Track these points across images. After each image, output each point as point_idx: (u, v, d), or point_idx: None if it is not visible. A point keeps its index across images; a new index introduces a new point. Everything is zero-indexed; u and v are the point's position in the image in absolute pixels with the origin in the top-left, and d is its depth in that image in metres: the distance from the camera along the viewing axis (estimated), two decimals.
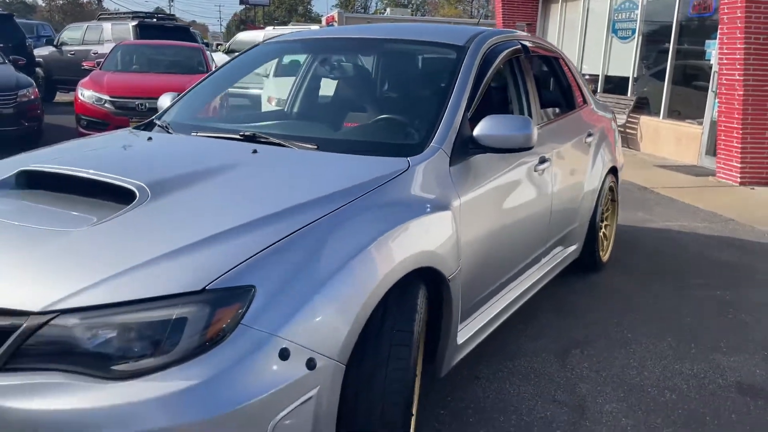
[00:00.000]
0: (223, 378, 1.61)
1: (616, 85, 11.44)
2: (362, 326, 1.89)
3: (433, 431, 2.55)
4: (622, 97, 10.91)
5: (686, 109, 9.75)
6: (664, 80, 10.04)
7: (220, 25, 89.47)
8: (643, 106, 10.68)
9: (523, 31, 7.34)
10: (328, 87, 3.39)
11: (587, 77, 10.74)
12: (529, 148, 2.68)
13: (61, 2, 64.40)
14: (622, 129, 10.02)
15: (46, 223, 1.94)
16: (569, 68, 4.31)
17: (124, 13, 15.83)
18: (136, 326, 1.62)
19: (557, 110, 3.92)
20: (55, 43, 15.49)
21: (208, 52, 11.57)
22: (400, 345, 2.00)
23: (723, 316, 3.81)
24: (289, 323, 1.71)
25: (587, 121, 4.27)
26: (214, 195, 2.12)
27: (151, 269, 1.70)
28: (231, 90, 3.62)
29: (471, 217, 2.58)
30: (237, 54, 3.68)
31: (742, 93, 7.57)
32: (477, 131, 2.64)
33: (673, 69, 9.92)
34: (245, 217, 1.92)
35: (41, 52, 15.25)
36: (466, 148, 2.65)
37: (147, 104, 8.96)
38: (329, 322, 1.80)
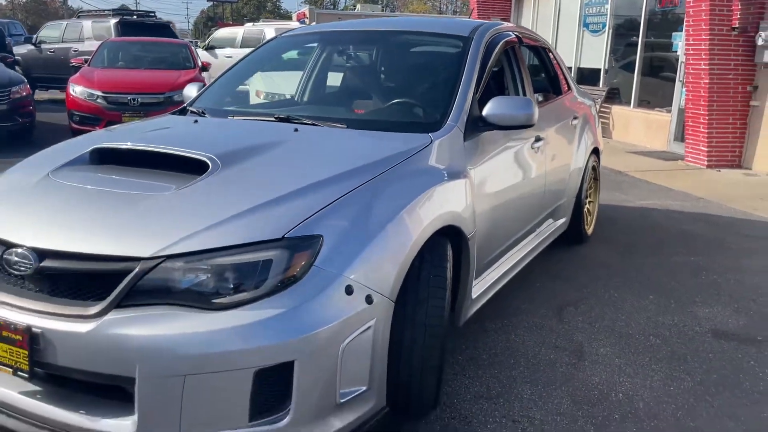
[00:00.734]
0: (304, 308, 1.95)
1: (588, 76, 11.94)
2: (406, 271, 2.25)
3: (454, 374, 2.92)
4: (595, 88, 11.41)
5: (655, 98, 10.29)
6: (634, 71, 10.57)
7: (188, 22, 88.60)
8: (614, 96, 11.21)
9: None
10: (347, 74, 3.74)
11: None
12: (531, 125, 3.06)
13: (23, 0, 63.35)
14: None
15: (134, 189, 2.27)
16: (555, 57, 4.72)
17: (104, 11, 15.90)
18: (231, 267, 1.96)
19: (547, 95, 4.32)
20: (33, 41, 15.50)
21: (194, 48, 11.80)
22: (436, 287, 2.37)
23: (697, 278, 4.26)
24: (351, 265, 2.07)
25: (572, 106, 4.69)
26: (274, 164, 2.47)
27: (238, 222, 2.04)
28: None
29: (482, 185, 2.96)
30: (256, 47, 4.00)
31: (707, 81, 8.09)
32: (486, 110, 3.01)
33: (642, 61, 10.45)
34: (306, 181, 2.27)
35: (19, 50, 15.25)
36: (476, 125, 3.02)
37: (139, 99, 9.19)
38: (382, 266, 2.16)
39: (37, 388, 2.10)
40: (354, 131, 2.89)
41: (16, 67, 14.65)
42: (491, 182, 3.09)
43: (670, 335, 3.38)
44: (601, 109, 11.00)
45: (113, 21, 14.08)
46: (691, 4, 8.25)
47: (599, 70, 11.55)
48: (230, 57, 15.51)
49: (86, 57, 11.26)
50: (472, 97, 3.08)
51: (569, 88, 4.84)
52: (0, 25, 18.49)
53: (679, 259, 4.63)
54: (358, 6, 27.03)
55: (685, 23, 8.57)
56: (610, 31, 11.32)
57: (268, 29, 15.16)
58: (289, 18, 38.44)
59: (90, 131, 9.24)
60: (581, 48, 12.21)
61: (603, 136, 10.74)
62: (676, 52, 9.50)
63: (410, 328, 2.29)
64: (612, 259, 4.61)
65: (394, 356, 2.26)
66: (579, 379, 2.91)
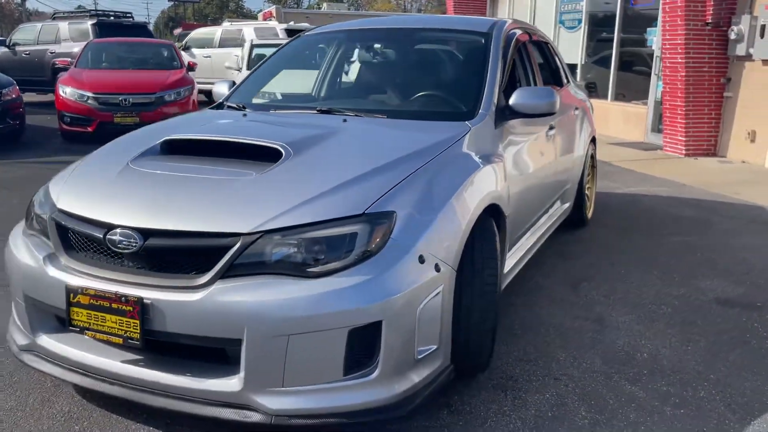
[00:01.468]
0: (387, 275, 2.19)
1: None
2: (464, 243, 2.50)
3: None
4: None
5: (631, 92, 10.72)
6: (610, 66, 10.98)
7: (149, 22, 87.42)
8: (591, 90, 11.58)
9: None
10: (378, 69, 3.98)
11: None
12: (554, 113, 3.34)
13: None
14: None
15: (217, 175, 2.47)
16: (556, 53, 5.01)
17: (80, 13, 15.84)
18: (323, 240, 2.19)
19: (553, 87, 4.61)
20: (7, 43, 15.35)
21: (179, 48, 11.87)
22: (489, 258, 2.63)
23: (694, 255, 4.60)
24: (422, 238, 2.31)
25: (573, 97, 4.99)
26: (339, 150, 2.70)
27: (323, 200, 2.27)
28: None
29: (511, 169, 3.22)
30: (281, 46, 4.20)
31: (684, 74, 8.51)
32: (513, 100, 3.27)
33: (618, 56, 10.87)
34: (372, 164, 2.51)
35: None
36: (503, 114, 3.28)
37: (131, 99, 9.27)
38: (445, 238, 2.41)
39: (139, 357, 2.30)
40: (397, 120, 3.14)
41: None
42: (517, 166, 3.35)
43: (679, 304, 3.70)
44: None
45: (90, 23, 14.05)
46: (667, 1, 8.66)
47: (576, 65, 11.95)
48: (209, 57, 15.58)
49: (71, 58, 11.26)
50: (498, 87, 3.35)
51: (568, 81, 5.14)
52: None
53: (674, 240, 4.96)
54: (324, 5, 27.11)
55: (661, 18, 8.98)
56: (586, 27, 11.73)
57: (247, 29, 15.23)
58: (254, 18, 38.33)
59: (81, 132, 9.34)
60: (557, 44, 12.58)
61: None
62: (651, 47, 9.92)
63: (469, 295, 2.54)
64: (613, 240, 4.93)
65: (455, 319, 2.51)
66: (605, 343, 3.19)
